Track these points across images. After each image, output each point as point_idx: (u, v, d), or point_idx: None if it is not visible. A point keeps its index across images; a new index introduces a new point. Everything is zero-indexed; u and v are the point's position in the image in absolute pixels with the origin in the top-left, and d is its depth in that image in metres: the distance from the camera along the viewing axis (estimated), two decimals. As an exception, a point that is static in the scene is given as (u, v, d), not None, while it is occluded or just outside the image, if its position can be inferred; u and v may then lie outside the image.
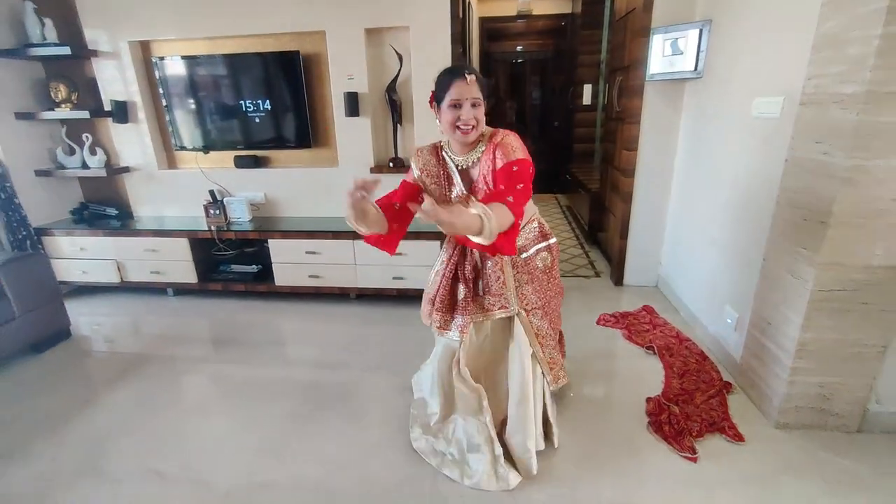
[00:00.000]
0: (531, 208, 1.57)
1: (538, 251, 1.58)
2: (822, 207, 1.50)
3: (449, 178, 1.49)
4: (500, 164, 1.35)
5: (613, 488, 1.52)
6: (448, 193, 1.50)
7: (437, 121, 1.42)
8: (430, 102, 1.42)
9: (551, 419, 1.69)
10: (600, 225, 3.87)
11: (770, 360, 1.78)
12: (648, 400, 1.94)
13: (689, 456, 1.64)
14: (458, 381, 1.59)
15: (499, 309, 1.55)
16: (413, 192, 1.49)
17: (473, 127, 1.34)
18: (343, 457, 1.70)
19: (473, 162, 1.43)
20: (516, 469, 1.56)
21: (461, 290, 1.57)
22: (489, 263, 1.55)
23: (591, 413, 1.91)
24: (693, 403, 1.90)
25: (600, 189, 3.83)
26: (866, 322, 1.56)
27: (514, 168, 1.30)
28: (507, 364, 1.61)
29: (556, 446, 1.69)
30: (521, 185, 1.28)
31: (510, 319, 1.58)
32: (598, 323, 2.66)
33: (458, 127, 1.34)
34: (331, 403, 2.00)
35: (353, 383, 2.16)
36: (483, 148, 1.41)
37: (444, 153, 1.50)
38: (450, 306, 1.58)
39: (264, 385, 2.17)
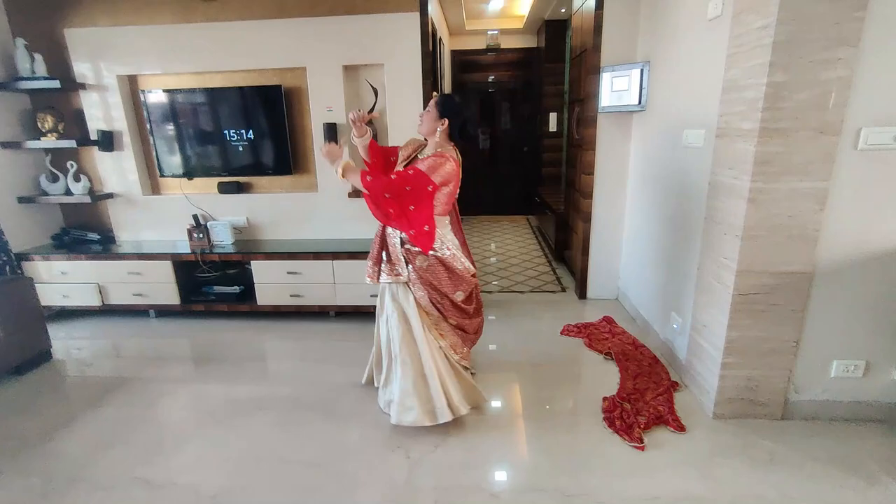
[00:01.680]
0: (439, 233, 1.92)
1: (419, 253, 1.91)
2: (735, 223, 1.76)
3: (414, 160, 1.96)
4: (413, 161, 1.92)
5: (569, 475, 1.70)
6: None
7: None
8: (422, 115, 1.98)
9: (450, 391, 1.94)
10: (566, 244, 4.14)
11: (706, 357, 2.02)
12: (605, 399, 2.14)
13: (637, 445, 1.83)
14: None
15: (395, 276, 1.94)
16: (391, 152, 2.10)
17: (419, 124, 1.93)
18: (323, 458, 1.83)
19: (420, 156, 1.95)
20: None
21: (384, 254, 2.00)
22: (389, 240, 1.96)
23: (552, 412, 2.10)
24: (643, 400, 2.11)
25: (565, 210, 4.12)
26: (779, 321, 1.82)
27: (410, 171, 1.78)
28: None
29: (459, 414, 1.94)
30: (395, 178, 1.76)
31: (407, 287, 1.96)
32: (562, 333, 2.88)
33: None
34: (310, 415, 2.13)
35: (332, 397, 2.29)
36: (429, 153, 1.90)
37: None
38: (377, 261, 2.00)
39: (246, 400, 2.27)
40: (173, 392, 2.39)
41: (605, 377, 2.36)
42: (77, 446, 1.96)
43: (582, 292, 3.43)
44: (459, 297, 2.00)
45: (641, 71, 2.76)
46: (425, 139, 2.00)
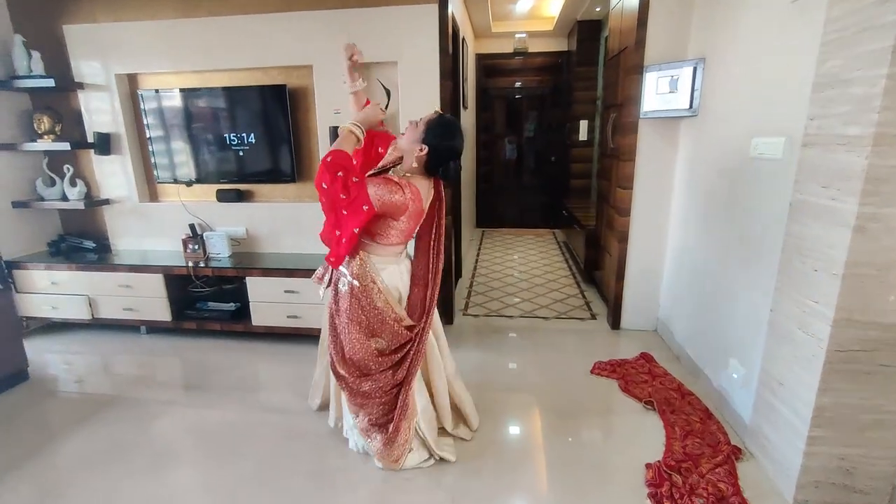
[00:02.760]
0: (388, 250, 1.67)
1: (343, 275, 1.68)
2: (833, 256, 1.35)
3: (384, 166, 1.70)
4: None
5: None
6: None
7: None
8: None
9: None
10: (596, 263, 3.73)
11: (784, 425, 1.59)
12: (648, 466, 1.74)
13: (694, 539, 1.43)
14: None
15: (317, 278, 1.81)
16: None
17: (403, 134, 1.65)
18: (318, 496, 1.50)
19: (384, 164, 1.71)
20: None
21: None
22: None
23: (583, 479, 1.71)
24: (698, 472, 1.69)
25: (596, 226, 3.71)
26: (889, 387, 1.39)
27: (354, 180, 1.49)
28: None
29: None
30: (339, 179, 1.46)
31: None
32: (592, 372, 2.48)
33: None
34: (304, 453, 1.82)
35: (328, 432, 1.97)
36: (399, 172, 1.68)
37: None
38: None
39: (237, 430, 2.02)
40: (160, 417, 2.16)
41: (647, 434, 1.95)
42: (51, 474, 1.69)
43: (615, 321, 3.02)
44: (376, 344, 1.68)
45: (694, 69, 2.36)
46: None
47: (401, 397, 1.68)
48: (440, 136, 1.57)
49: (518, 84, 5.71)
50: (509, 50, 5.42)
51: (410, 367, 1.68)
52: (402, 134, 1.64)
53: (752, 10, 1.89)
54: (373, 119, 1.67)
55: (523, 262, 4.64)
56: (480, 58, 5.55)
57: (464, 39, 3.96)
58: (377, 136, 1.80)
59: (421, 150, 1.56)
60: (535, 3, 4.61)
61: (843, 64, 1.32)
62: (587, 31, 4.74)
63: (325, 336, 1.91)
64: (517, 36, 5.25)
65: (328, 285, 1.75)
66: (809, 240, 1.46)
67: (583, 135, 5.01)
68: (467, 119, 4.61)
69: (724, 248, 2.11)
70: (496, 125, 5.94)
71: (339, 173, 1.46)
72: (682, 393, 2.23)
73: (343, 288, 1.67)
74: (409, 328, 1.69)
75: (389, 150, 1.74)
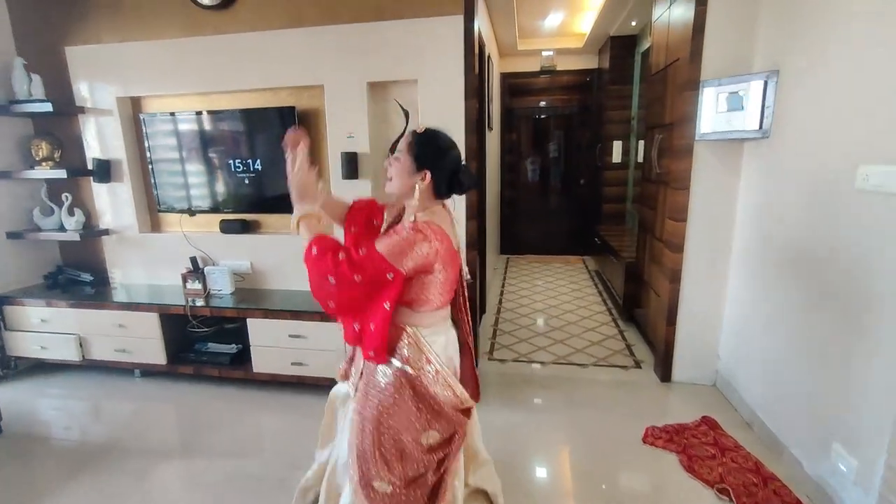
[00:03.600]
0: (427, 317, 1.29)
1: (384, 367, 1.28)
2: None
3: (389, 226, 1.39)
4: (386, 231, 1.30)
5: None
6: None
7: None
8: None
9: None
10: (637, 300, 3.32)
11: (931, 555, 1.17)
12: (736, 593, 1.33)
13: None
14: None
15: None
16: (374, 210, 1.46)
17: (387, 180, 1.30)
18: None
19: (389, 224, 1.37)
20: None
21: None
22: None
23: None
24: None
25: (638, 260, 3.32)
26: None
27: (362, 252, 1.16)
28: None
29: None
30: (344, 261, 1.14)
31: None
32: (645, 441, 2.07)
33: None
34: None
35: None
36: (408, 220, 1.27)
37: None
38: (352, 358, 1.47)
39: (234, 489, 1.78)
40: (151, 472, 1.93)
41: (728, 539, 1.54)
42: None
43: (665, 373, 2.60)
44: (429, 439, 1.27)
45: (765, 83, 2.00)
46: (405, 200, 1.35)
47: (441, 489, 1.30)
48: (436, 151, 1.26)
49: (544, 104, 5.43)
50: (535, 68, 5.16)
51: (454, 455, 1.32)
52: (389, 179, 1.28)
53: (848, 6, 1.54)
54: (308, 183, 1.27)
55: (553, 293, 4.25)
56: (505, 77, 5.30)
57: (489, 57, 3.70)
58: (372, 208, 1.45)
59: (423, 177, 1.23)
60: (565, 20, 4.34)
61: None
62: (621, 48, 4.43)
63: (342, 443, 1.43)
64: (544, 54, 4.98)
65: (360, 377, 1.35)
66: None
67: (616, 157, 4.66)
68: (492, 141, 4.32)
69: (820, 301, 1.71)
70: (522, 147, 5.64)
71: (340, 255, 1.14)
72: (764, 477, 1.80)
73: (383, 379, 1.26)
74: (466, 411, 1.33)
75: (385, 215, 1.42)
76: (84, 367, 2.81)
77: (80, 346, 2.69)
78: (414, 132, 1.28)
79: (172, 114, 2.66)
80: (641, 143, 4.33)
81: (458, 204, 2.06)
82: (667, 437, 2.10)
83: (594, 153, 5.15)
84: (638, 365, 2.83)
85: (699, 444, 2.03)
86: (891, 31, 1.37)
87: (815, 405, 1.71)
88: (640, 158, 4.35)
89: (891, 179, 1.35)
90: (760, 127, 2.05)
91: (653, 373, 2.72)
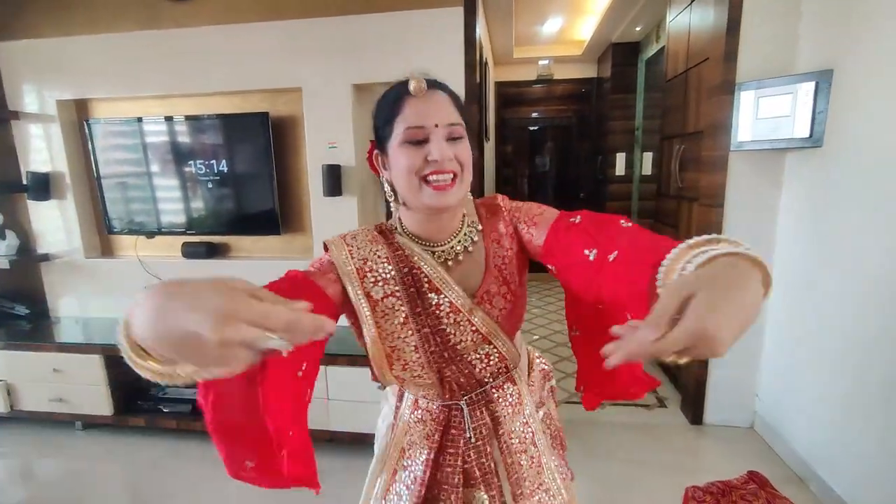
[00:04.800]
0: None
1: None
2: None
3: (419, 283, 0.75)
4: (533, 237, 0.79)
5: None
6: (424, 310, 0.75)
7: (385, 183, 0.79)
8: (371, 156, 0.81)
9: None
10: (655, 327, 3.00)
11: None
12: None
13: None
14: None
15: None
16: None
17: (456, 176, 0.72)
18: None
19: (466, 248, 0.79)
20: None
21: None
22: (511, 429, 0.84)
23: None
24: None
25: (653, 282, 3.02)
26: None
27: (575, 219, 0.73)
28: None
29: None
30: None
31: None
32: (688, 507, 1.73)
33: (426, 179, 0.70)
34: None
35: None
36: (479, 226, 0.82)
37: (399, 239, 0.78)
38: None
39: None
40: None
41: None
42: None
43: (696, 415, 2.28)
44: None
45: (816, 85, 1.73)
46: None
47: None
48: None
49: (539, 115, 5.17)
50: (531, 77, 4.90)
51: None
52: (450, 178, 0.73)
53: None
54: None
55: (555, 316, 3.92)
56: (499, 86, 5.04)
57: (486, 63, 3.42)
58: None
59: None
60: (564, 26, 4.10)
61: None
62: (623, 55, 4.20)
63: None
64: (541, 63, 4.73)
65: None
66: None
67: (620, 169, 4.40)
68: (488, 154, 4.02)
69: (879, 327, 1.41)
70: (517, 160, 5.36)
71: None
72: (842, 559, 1.47)
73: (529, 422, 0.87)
74: None
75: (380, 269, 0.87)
76: (12, 418, 2.36)
77: (8, 394, 2.26)
78: (450, 93, 0.81)
79: (125, 120, 2.29)
80: (648, 154, 4.10)
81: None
82: (712, 500, 1.76)
83: (595, 166, 4.90)
84: (662, 403, 2.50)
85: (752, 511, 1.70)
86: None
87: (892, 459, 1.40)
88: (646, 171, 4.11)
89: None
90: (811, 135, 1.77)
91: (680, 413, 2.39)
